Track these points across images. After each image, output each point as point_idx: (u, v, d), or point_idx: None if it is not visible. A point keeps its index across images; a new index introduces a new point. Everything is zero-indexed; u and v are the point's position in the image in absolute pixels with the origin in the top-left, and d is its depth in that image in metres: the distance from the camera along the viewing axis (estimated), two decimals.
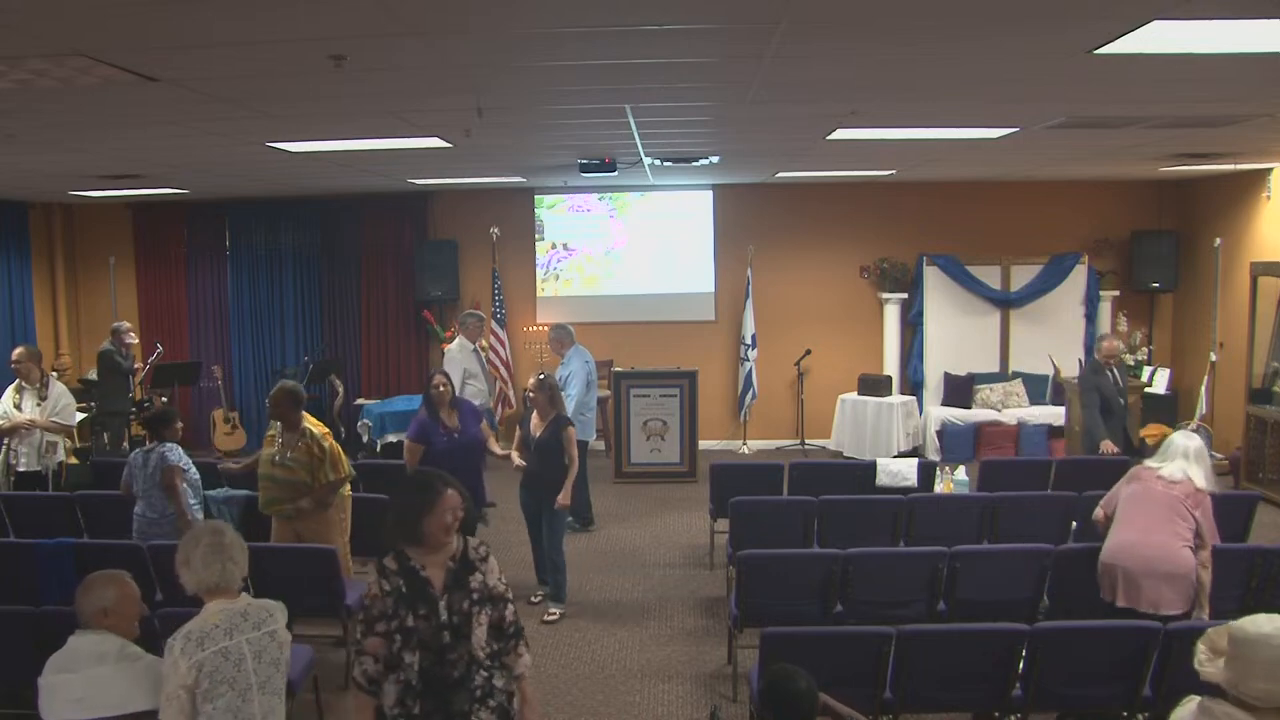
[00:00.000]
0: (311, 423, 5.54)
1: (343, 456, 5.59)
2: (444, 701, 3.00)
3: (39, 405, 6.95)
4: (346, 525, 5.69)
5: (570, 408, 7.46)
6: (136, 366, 9.66)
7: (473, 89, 4.84)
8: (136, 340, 9.77)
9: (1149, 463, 4.70)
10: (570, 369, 7.92)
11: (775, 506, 6.23)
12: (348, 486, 5.75)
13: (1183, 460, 4.54)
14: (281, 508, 5.47)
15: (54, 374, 7.49)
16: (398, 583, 3.02)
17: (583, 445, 7.75)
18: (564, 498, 6.04)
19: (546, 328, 9.21)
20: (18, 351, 7.01)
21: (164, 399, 10.49)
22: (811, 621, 4.84)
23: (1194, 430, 9.62)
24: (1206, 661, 2.73)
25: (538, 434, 6.13)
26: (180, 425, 5.76)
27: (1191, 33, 3.72)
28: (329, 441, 5.51)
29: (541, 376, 6.27)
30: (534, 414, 6.25)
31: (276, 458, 5.43)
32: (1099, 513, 4.79)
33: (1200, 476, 4.51)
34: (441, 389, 6.22)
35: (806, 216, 11.02)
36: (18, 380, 6.98)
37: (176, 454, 5.48)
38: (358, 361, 11.43)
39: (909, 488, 6.53)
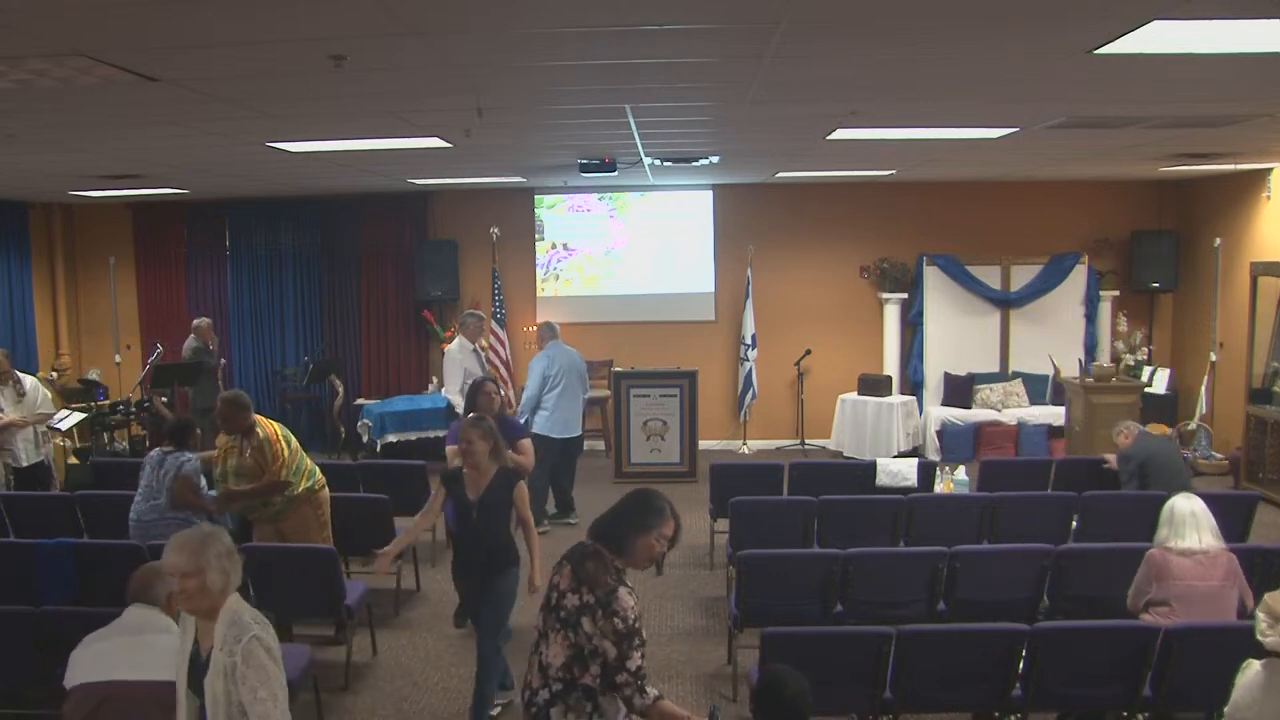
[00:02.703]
0: (263, 424, 5.45)
1: (287, 460, 5.42)
2: None
3: (19, 403, 7.04)
4: (325, 521, 5.69)
5: (520, 402, 7.43)
6: (222, 362, 10.08)
7: (473, 89, 4.84)
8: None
9: (1171, 544, 4.37)
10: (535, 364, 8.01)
11: (775, 506, 6.23)
12: (321, 482, 5.72)
13: (1206, 532, 4.35)
14: (257, 512, 5.52)
15: (55, 373, 7.55)
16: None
17: (542, 439, 7.66)
18: (536, 575, 4.51)
19: None
20: None
21: (164, 399, 10.48)
22: (811, 621, 4.84)
23: (1192, 428, 9.68)
24: (1268, 630, 2.78)
25: (477, 495, 4.62)
26: (199, 433, 5.86)
27: (1191, 33, 3.72)
28: (279, 446, 5.38)
29: (476, 418, 4.93)
30: (464, 472, 4.70)
31: (233, 466, 5.40)
32: (1133, 602, 4.49)
33: (1216, 539, 4.37)
34: (493, 396, 5.81)
35: (806, 216, 11.01)
36: None
37: (193, 464, 5.53)
38: (358, 361, 11.42)
39: (909, 488, 6.52)
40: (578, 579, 3.07)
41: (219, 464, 5.47)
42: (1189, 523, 4.37)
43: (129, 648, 3.18)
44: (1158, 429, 9.31)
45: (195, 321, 9.96)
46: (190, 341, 9.84)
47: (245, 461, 5.36)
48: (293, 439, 5.54)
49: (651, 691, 3.03)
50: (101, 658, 3.20)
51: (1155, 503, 5.75)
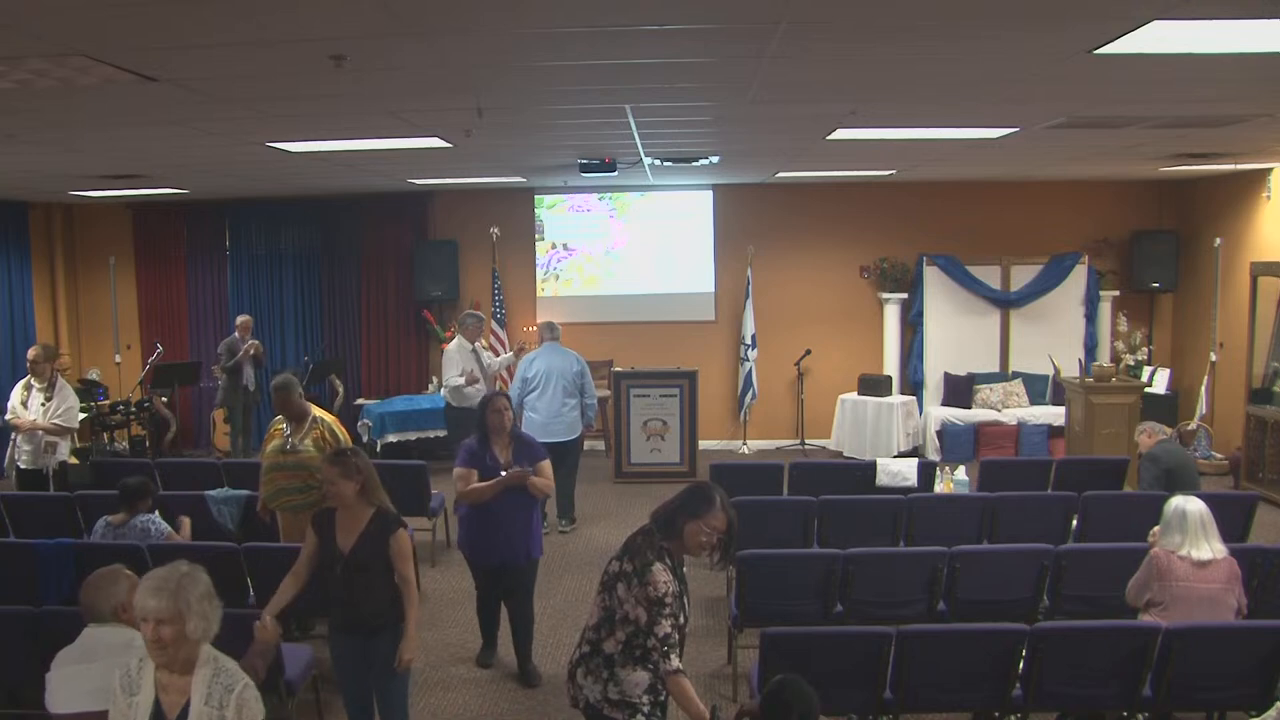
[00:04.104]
0: (319, 411, 5.59)
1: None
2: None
3: (44, 405, 7.00)
4: None
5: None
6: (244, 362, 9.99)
7: (473, 89, 4.85)
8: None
9: (1167, 544, 4.37)
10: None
11: (775, 506, 6.22)
12: None
13: (1213, 539, 4.33)
14: (291, 499, 5.44)
15: (59, 375, 7.53)
16: (676, 581, 3.27)
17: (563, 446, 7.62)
18: (409, 650, 3.85)
19: None
20: (34, 351, 7.12)
21: (164, 399, 10.50)
22: (811, 621, 4.84)
23: (1192, 428, 9.68)
24: None
25: (348, 546, 3.85)
26: (152, 500, 5.39)
27: (1191, 33, 3.72)
28: (342, 430, 5.55)
29: (338, 451, 4.15)
30: (337, 513, 3.94)
31: (286, 446, 5.42)
32: (1133, 599, 4.49)
33: (1221, 545, 4.36)
34: (504, 414, 5.13)
35: (806, 216, 11.02)
36: (28, 377, 7.05)
37: (159, 528, 5.28)
38: (358, 361, 11.43)
39: (909, 488, 6.52)
40: (626, 549, 3.34)
41: (264, 446, 5.56)
42: (1200, 532, 4.33)
43: (100, 674, 3.01)
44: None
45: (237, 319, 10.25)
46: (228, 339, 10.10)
47: (307, 441, 5.40)
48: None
49: (675, 662, 3.15)
50: (77, 683, 3.08)
51: (1155, 502, 5.76)
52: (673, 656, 3.15)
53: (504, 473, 5.01)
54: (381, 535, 3.87)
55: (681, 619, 3.26)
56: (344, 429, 5.63)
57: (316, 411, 5.55)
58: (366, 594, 3.83)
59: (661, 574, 3.20)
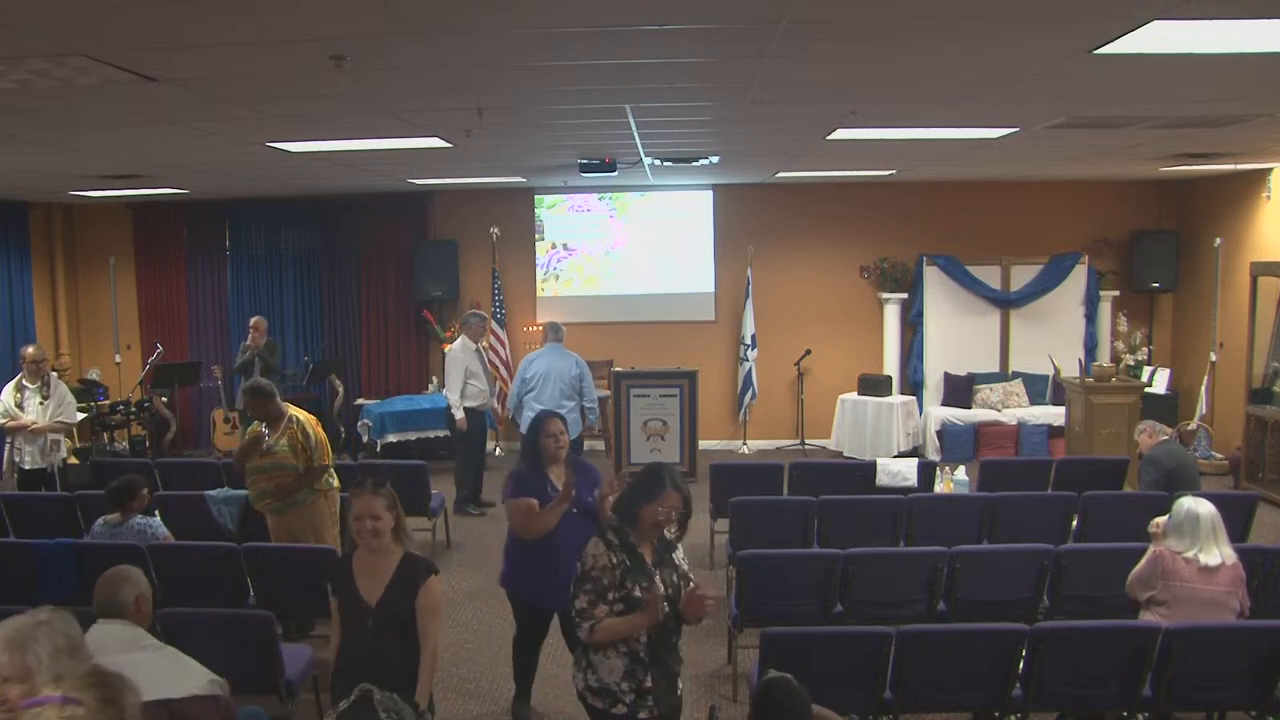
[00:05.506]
0: (295, 411, 5.57)
1: (327, 446, 5.60)
2: (666, 669, 3.29)
3: (42, 404, 7.00)
4: (336, 517, 5.67)
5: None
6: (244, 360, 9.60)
7: (473, 89, 4.85)
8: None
9: (1175, 546, 4.33)
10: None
11: (775, 506, 6.22)
12: (336, 480, 5.73)
13: (1222, 543, 4.30)
14: (268, 502, 5.47)
15: (54, 373, 7.54)
16: (623, 557, 3.22)
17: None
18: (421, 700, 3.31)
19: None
20: (36, 350, 7.15)
21: (164, 399, 10.50)
22: (811, 621, 4.84)
23: (1192, 428, 9.68)
24: None
25: (375, 597, 3.34)
26: (146, 493, 5.33)
27: (1191, 33, 3.72)
28: (316, 429, 5.54)
29: (377, 482, 3.46)
30: (355, 557, 3.45)
31: (263, 447, 5.43)
32: (1133, 591, 4.48)
33: (1230, 549, 4.34)
34: (560, 438, 4.47)
35: (806, 216, 11.01)
36: (18, 378, 7.04)
37: (155, 528, 5.26)
38: (358, 361, 11.42)
39: (909, 488, 6.52)
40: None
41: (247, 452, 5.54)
42: (1211, 537, 4.30)
43: (143, 664, 2.89)
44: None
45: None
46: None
47: (282, 442, 5.40)
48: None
49: (585, 629, 3.18)
50: None
51: (1155, 502, 5.77)
52: (584, 626, 3.18)
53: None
54: (409, 583, 3.32)
55: (638, 591, 3.17)
56: (319, 428, 5.59)
57: (293, 410, 5.55)
58: (398, 654, 3.28)
59: (592, 549, 3.23)
